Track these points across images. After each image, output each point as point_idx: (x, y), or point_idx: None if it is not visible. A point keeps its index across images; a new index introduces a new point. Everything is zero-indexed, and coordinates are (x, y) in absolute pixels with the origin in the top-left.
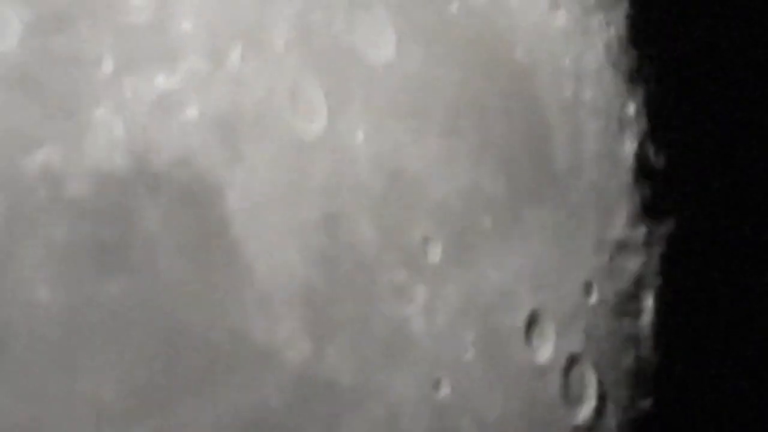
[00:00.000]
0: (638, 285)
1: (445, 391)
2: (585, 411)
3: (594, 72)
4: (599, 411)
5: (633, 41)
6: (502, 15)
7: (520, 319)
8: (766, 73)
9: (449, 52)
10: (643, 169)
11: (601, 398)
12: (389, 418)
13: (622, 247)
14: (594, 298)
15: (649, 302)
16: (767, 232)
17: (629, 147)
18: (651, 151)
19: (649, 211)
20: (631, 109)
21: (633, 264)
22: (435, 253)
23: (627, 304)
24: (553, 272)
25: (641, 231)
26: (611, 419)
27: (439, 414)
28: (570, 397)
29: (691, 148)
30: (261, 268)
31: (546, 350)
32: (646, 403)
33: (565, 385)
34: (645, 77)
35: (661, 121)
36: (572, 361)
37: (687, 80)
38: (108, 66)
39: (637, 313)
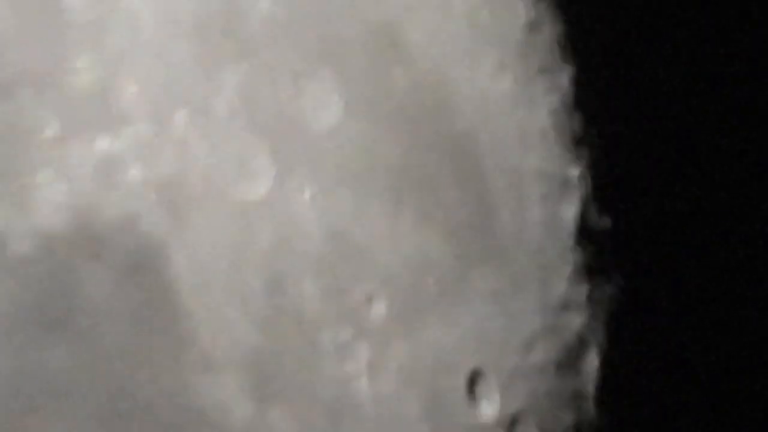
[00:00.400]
0: (581, 344)
1: None
2: None
3: (538, 136)
4: None
5: (577, 105)
6: (446, 83)
7: (464, 379)
8: (714, 135)
9: (393, 120)
10: (585, 231)
11: None
12: None
13: (564, 306)
14: (537, 357)
15: (593, 361)
16: (716, 291)
17: (572, 210)
18: (594, 213)
19: (593, 271)
20: (575, 172)
21: (576, 323)
22: (379, 313)
23: (570, 362)
24: (496, 333)
25: (583, 290)
26: None
27: None
28: None
29: (636, 208)
30: (205, 332)
31: (489, 410)
32: None
33: None
34: (589, 141)
35: (605, 184)
36: (515, 421)
37: (632, 142)
38: (51, 130)
39: (580, 372)
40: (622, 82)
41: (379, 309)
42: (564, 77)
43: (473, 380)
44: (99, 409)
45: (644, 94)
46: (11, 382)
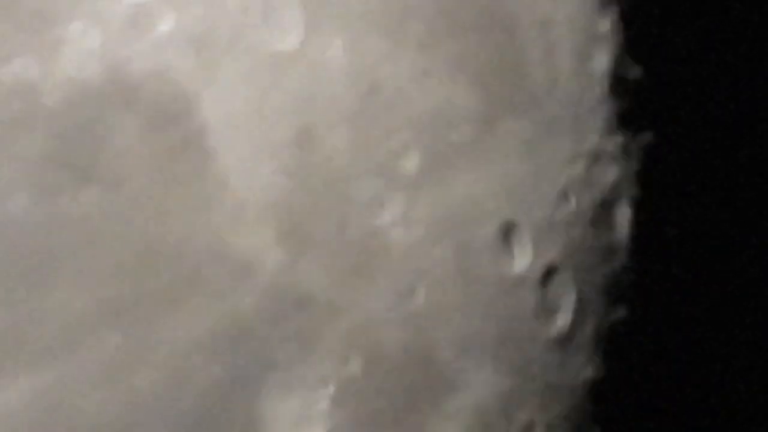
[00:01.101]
0: (615, 195)
1: (419, 301)
2: (562, 322)
3: None
4: (576, 321)
5: None
6: None
7: (495, 230)
8: None
9: None
10: (618, 83)
11: (578, 309)
12: (364, 330)
13: (597, 158)
14: (570, 209)
15: (626, 213)
16: (746, 150)
17: (604, 61)
18: (626, 65)
19: (625, 123)
20: (606, 24)
21: (609, 175)
22: (411, 164)
23: (603, 214)
24: (528, 183)
25: (616, 143)
26: (588, 329)
27: (414, 325)
28: (547, 308)
29: (668, 63)
30: (235, 181)
31: (522, 261)
32: (622, 313)
33: (542, 296)
34: None
35: (638, 36)
36: (549, 272)
37: None
38: None
39: (613, 224)
40: None
41: (411, 160)
42: None
43: (506, 232)
44: (129, 256)
45: None
46: (41, 228)
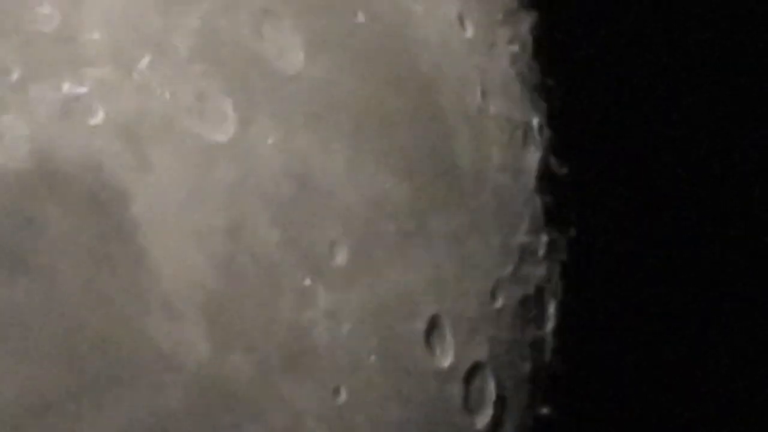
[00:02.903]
0: (541, 292)
1: (344, 398)
2: (484, 419)
3: (499, 84)
4: (498, 417)
5: (538, 56)
6: (408, 26)
7: (422, 325)
8: (665, 86)
9: (356, 62)
10: (545, 179)
11: (500, 406)
12: (290, 427)
13: (525, 254)
14: (498, 305)
15: (551, 309)
16: (669, 240)
17: (533, 156)
18: (553, 161)
19: (552, 219)
20: (535, 120)
21: (537, 271)
22: (341, 258)
23: (530, 311)
24: (456, 278)
25: (544, 239)
26: (510, 425)
27: (339, 421)
28: (470, 405)
29: (594, 159)
30: (165, 273)
31: (447, 357)
32: (545, 410)
33: (466, 393)
34: (548, 90)
35: (565, 134)
36: (474, 369)
37: (590, 93)
38: (15, 74)
39: (540, 321)
40: (583, 33)
41: (341, 254)
42: (525, 25)
43: (432, 327)
44: (57, 346)
45: (605, 46)
46: None
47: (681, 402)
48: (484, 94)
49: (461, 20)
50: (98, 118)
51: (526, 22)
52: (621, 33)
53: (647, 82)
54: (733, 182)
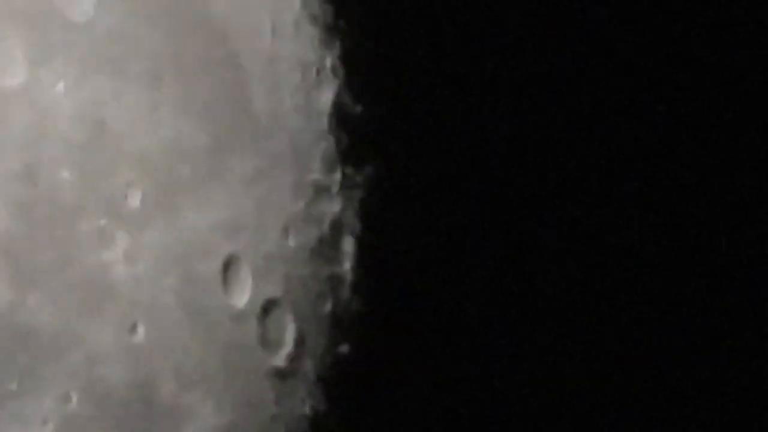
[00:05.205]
0: (337, 230)
1: (142, 337)
2: (282, 355)
3: (291, 26)
4: (296, 355)
5: None
6: None
7: (218, 265)
8: (456, 26)
9: (148, 10)
10: (340, 118)
11: (299, 343)
12: (88, 365)
13: (319, 192)
14: (292, 243)
15: (347, 246)
16: (464, 178)
17: (326, 96)
18: (348, 100)
19: (348, 158)
20: (329, 61)
21: (331, 209)
22: (135, 200)
23: (326, 249)
24: (251, 218)
25: (338, 177)
26: (308, 363)
27: (136, 360)
28: (268, 342)
29: (389, 97)
30: None
31: (243, 295)
32: (344, 349)
33: (263, 330)
34: (341, 31)
35: (359, 73)
36: (269, 306)
37: (383, 33)
38: None
39: (336, 258)
40: None
41: (136, 196)
42: None
43: (227, 266)
44: None
45: None
46: None
47: (479, 337)
48: (275, 37)
49: None
50: None
51: None
52: None
53: (442, 19)
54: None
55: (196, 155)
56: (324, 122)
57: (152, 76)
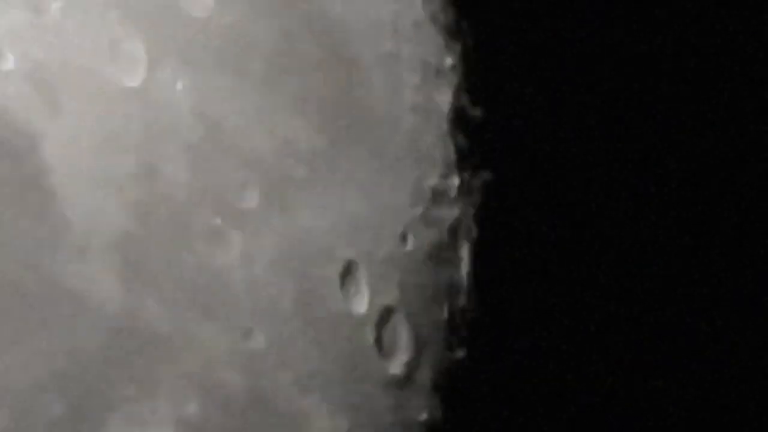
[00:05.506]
0: (454, 235)
1: (259, 341)
2: (399, 362)
3: (411, 26)
4: (414, 362)
5: None
6: None
7: (336, 268)
8: (576, 32)
9: (267, 5)
10: (459, 121)
11: (416, 350)
12: (203, 370)
13: (437, 196)
14: (409, 248)
15: (465, 252)
16: (582, 186)
17: (446, 98)
18: (467, 103)
19: (466, 162)
20: (449, 62)
21: (449, 214)
22: (251, 200)
23: (443, 254)
24: (369, 222)
25: (457, 181)
26: (425, 370)
27: (253, 365)
28: (384, 349)
29: (509, 101)
30: (76, 218)
31: (361, 301)
32: (461, 354)
33: (380, 336)
34: (463, 32)
35: (479, 76)
36: (387, 312)
37: (505, 38)
38: None
39: (453, 264)
40: None
41: (252, 196)
42: None
43: (345, 271)
44: None
45: None
46: None
47: (593, 344)
48: (396, 36)
49: None
50: (9, 63)
51: None
52: None
53: (565, 24)
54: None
55: (313, 156)
56: (443, 125)
57: (268, 75)
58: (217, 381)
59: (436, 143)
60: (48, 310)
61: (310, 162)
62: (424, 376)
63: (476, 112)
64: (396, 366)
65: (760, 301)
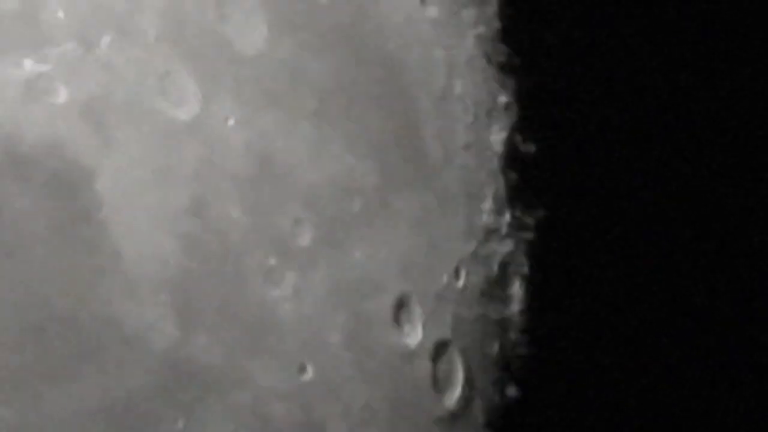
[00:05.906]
0: (505, 271)
1: (310, 376)
2: (452, 397)
3: (465, 63)
4: (466, 397)
5: (503, 37)
6: (373, 5)
7: (389, 304)
8: (628, 69)
9: (320, 41)
10: (511, 158)
11: (468, 385)
12: (255, 405)
13: (489, 233)
14: (461, 284)
15: (516, 289)
16: (632, 223)
17: (499, 135)
18: (520, 140)
19: (518, 199)
20: (502, 99)
21: (500, 250)
22: (304, 238)
23: (494, 290)
24: (421, 258)
25: (508, 218)
26: (477, 406)
27: (304, 399)
28: (437, 384)
29: (560, 139)
30: (129, 253)
31: (414, 336)
32: (513, 391)
33: (433, 372)
34: (515, 70)
35: (532, 113)
36: (440, 347)
37: (556, 74)
38: None
39: (504, 300)
40: (548, 16)
41: (305, 233)
42: (490, 9)
43: (398, 306)
44: (20, 325)
45: (570, 29)
46: None
47: (648, 381)
48: (449, 73)
49: (426, 3)
50: (61, 97)
51: (491, 5)
52: (589, 13)
53: (616, 61)
54: (710, 169)
55: (365, 192)
56: (495, 162)
57: (321, 111)
58: (267, 414)
59: (488, 180)
60: (99, 344)
61: (362, 197)
62: (476, 412)
63: (528, 149)
64: (449, 401)
65: None
